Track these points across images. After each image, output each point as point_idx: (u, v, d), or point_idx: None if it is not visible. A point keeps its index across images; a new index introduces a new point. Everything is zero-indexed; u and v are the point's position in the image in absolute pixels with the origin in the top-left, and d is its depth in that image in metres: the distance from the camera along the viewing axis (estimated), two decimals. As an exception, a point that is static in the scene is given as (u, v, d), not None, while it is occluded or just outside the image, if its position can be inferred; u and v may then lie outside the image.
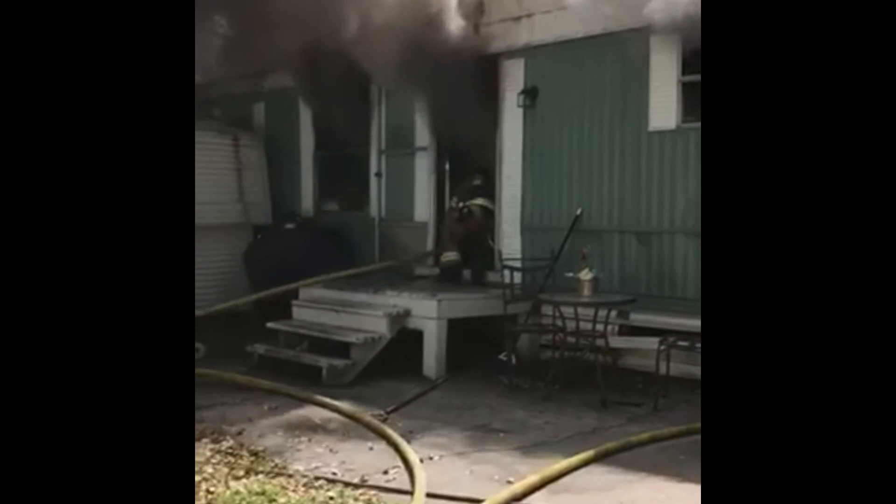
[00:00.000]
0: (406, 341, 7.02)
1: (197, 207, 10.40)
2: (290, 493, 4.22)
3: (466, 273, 8.10)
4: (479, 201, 8.14)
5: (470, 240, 8.08)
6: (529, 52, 7.56)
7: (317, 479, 4.42)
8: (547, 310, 6.92)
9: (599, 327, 6.33)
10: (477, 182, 8.21)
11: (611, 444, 4.90)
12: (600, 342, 6.34)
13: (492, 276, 7.65)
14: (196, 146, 10.38)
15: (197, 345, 7.98)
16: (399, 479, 4.46)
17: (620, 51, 6.87)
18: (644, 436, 5.08)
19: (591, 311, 6.34)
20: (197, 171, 10.60)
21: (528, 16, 7.49)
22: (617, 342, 6.65)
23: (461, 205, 8.13)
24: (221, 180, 9.69)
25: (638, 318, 6.67)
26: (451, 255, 8.14)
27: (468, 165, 8.64)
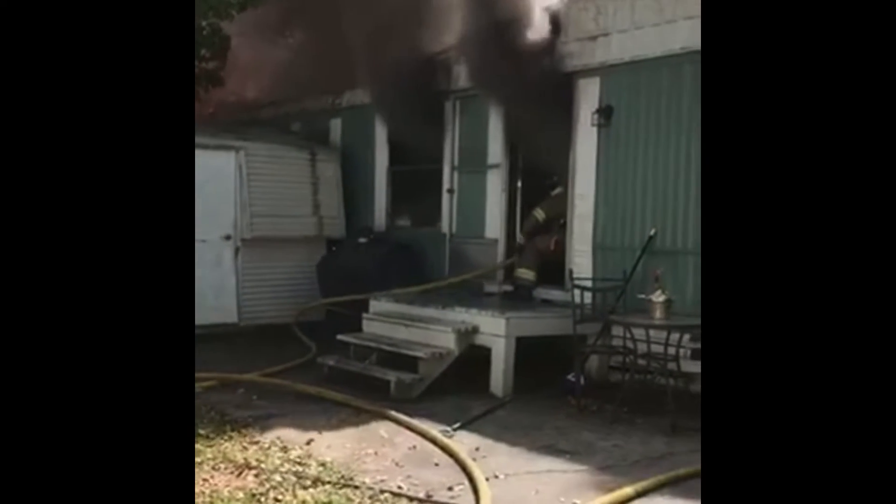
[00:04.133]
0: (474, 358, 7.02)
1: (275, 220, 10.69)
2: (356, 505, 4.27)
3: (538, 292, 8.06)
4: (538, 214, 8.11)
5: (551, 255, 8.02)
6: (605, 71, 7.51)
7: (382, 492, 4.45)
8: (617, 331, 6.82)
9: (671, 350, 6.20)
10: (559, 190, 8.14)
11: (682, 471, 4.78)
12: (672, 366, 6.21)
13: (561, 296, 7.59)
14: (276, 160, 10.65)
15: (310, 344, 8.21)
16: (464, 496, 4.46)
17: (698, 69, 6.75)
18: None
19: (663, 334, 6.22)
20: (276, 184, 10.90)
21: (605, 34, 7.45)
22: (689, 366, 6.50)
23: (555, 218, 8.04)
24: (299, 194, 9.93)
25: (712, 342, 6.50)
26: (527, 273, 8.11)
27: (541, 184, 8.62)
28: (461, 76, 8.84)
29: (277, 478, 4.61)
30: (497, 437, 5.61)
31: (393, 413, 6.03)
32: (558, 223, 8.05)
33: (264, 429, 5.66)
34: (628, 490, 4.46)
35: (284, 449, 5.20)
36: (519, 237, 8.38)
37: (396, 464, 5.01)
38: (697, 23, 6.68)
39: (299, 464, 4.91)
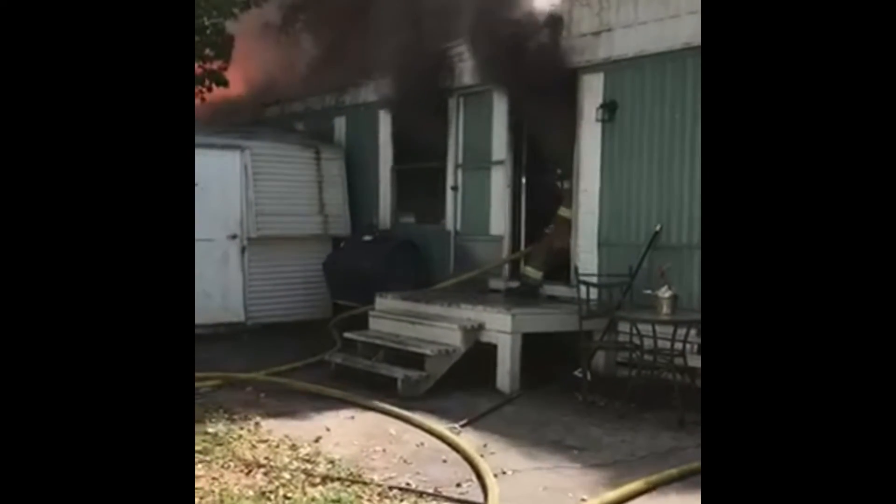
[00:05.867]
0: (481, 354, 7.03)
1: (281, 219, 10.70)
2: (365, 502, 4.29)
3: (544, 288, 8.07)
4: (565, 213, 8.10)
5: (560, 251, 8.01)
6: (609, 66, 7.50)
7: (391, 488, 4.47)
8: (624, 327, 6.83)
9: (678, 346, 6.21)
10: (567, 186, 8.13)
11: (694, 464, 4.79)
12: (678, 361, 6.22)
13: (567, 292, 7.60)
14: (281, 159, 10.65)
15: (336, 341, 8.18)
16: (472, 492, 4.47)
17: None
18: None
19: (669, 330, 6.23)
20: (281, 183, 10.91)
21: (608, 30, 7.45)
22: (696, 361, 6.51)
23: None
24: (303, 192, 9.95)
25: (718, 337, 6.51)
26: (535, 273, 8.10)
27: (545, 180, 8.62)
28: (465, 73, 8.85)
29: (286, 475, 4.63)
30: (504, 434, 5.63)
31: (400, 410, 6.05)
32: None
33: (273, 427, 5.68)
34: (638, 484, 4.47)
35: (293, 447, 5.22)
36: (550, 228, 8.30)
37: (405, 460, 5.04)
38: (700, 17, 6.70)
39: (308, 461, 4.93)
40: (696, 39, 6.72)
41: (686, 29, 6.80)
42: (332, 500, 4.27)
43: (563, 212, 8.13)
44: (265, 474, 4.66)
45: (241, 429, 5.59)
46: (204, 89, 11.96)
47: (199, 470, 4.62)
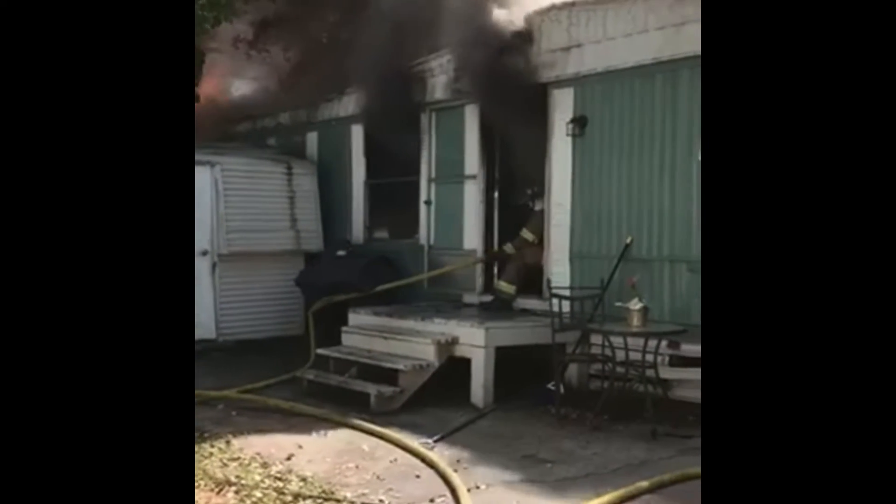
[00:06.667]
0: (454, 369, 7.02)
1: (252, 235, 10.59)
2: (338, 520, 4.25)
3: (517, 301, 8.09)
4: (526, 235, 8.16)
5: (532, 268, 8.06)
6: (579, 81, 7.58)
7: (364, 505, 4.45)
8: (596, 339, 6.86)
9: (650, 358, 6.25)
10: (541, 207, 8.17)
11: (665, 476, 4.81)
12: (650, 373, 6.26)
13: (540, 305, 7.63)
14: (252, 174, 10.57)
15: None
16: (445, 507, 4.46)
17: (671, 79, 6.85)
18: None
19: (640, 342, 6.27)
20: (252, 198, 10.81)
21: (578, 45, 7.53)
22: (667, 373, 6.55)
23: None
24: (276, 208, 9.89)
25: (689, 348, 6.56)
26: (508, 287, 8.12)
27: (517, 194, 8.67)
28: (437, 88, 8.89)
29: (258, 494, 4.58)
30: (478, 448, 5.61)
31: (373, 426, 6.02)
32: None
33: (244, 445, 5.62)
34: (610, 497, 4.48)
35: (265, 464, 5.17)
36: (509, 247, 8.37)
37: (378, 477, 5.00)
38: (669, 32, 6.80)
39: (280, 479, 4.88)
40: (664, 54, 6.83)
41: (654, 44, 6.89)
42: (304, 518, 4.24)
43: (524, 233, 8.20)
44: (236, 493, 4.61)
45: (212, 447, 5.52)
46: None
47: (169, 490, 4.55)
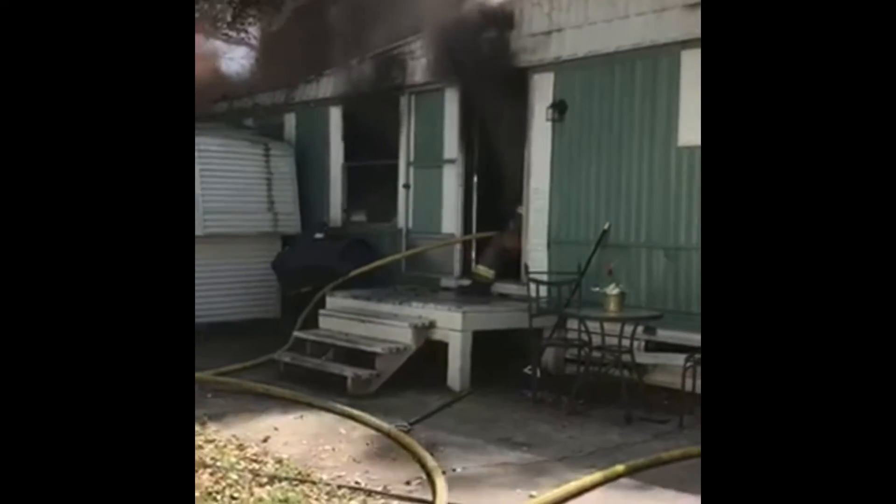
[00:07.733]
0: (431, 353, 7.03)
1: (228, 217, 10.49)
2: (313, 502, 4.25)
3: (495, 286, 8.11)
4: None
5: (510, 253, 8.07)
6: (559, 67, 7.57)
7: (339, 487, 4.44)
8: (573, 324, 6.90)
9: (625, 343, 6.29)
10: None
11: (640, 461, 4.86)
12: (626, 358, 6.31)
13: (517, 289, 7.65)
14: (228, 155, 10.43)
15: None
16: (421, 490, 4.46)
17: (651, 65, 6.87)
18: (675, 452, 5.03)
19: (617, 327, 6.31)
20: (229, 180, 10.69)
21: (559, 30, 7.51)
22: (643, 358, 6.61)
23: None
24: (252, 190, 9.80)
25: (665, 334, 6.62)
26: (486, 272, 8.14)
27: (496, 179, 8.66)
28: (417, 71, 8.84)
29: (233, 475, 4.56)
30: (454, 431, 5.63)
31: (349, 409, 6.01)
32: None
33: (220, 427, 5.59)
34: (585, 480, 4.51)
35: (240, 447, 5.15)
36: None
37: (354, 459, 5.01)
38: (649, 18, 6.81)
39: (255, 461, 4.87)
40: (644, 40, 6.84)
41: (635, 30, 6.90)
42: (280, 500, 4.22)
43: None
44: (211, 475, 4.58)
45: (187, 429, 5.49)
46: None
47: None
